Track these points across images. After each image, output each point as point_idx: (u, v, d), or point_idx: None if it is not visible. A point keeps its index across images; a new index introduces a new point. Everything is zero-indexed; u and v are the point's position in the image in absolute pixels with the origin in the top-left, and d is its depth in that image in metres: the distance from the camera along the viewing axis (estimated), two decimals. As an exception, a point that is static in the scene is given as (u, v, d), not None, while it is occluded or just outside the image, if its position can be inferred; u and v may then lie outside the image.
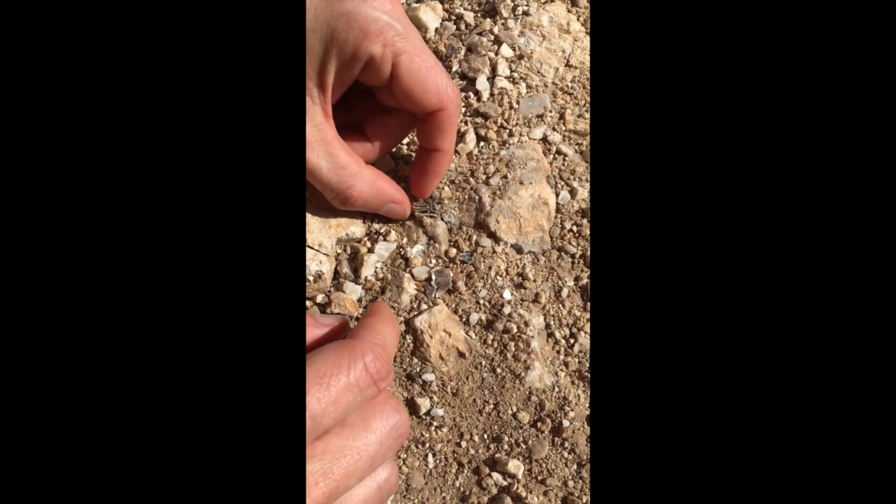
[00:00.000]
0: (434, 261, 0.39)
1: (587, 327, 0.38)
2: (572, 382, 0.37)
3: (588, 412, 0.37)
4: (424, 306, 0.38)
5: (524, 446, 0.36)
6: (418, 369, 0.37)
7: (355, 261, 0.38)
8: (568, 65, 0.43)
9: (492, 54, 0.43)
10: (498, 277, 0.39)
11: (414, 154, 0.40)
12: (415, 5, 0.44)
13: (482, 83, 0.42)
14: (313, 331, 0.30)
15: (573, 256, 0.39)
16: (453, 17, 0.44)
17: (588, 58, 0.43)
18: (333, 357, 0.26)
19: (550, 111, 0.42)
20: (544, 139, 0.41)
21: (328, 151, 0.35)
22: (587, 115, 0.42)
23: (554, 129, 0.42)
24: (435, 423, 0.37)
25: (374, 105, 0.37)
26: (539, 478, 0.36)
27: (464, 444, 0.37)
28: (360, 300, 0.38)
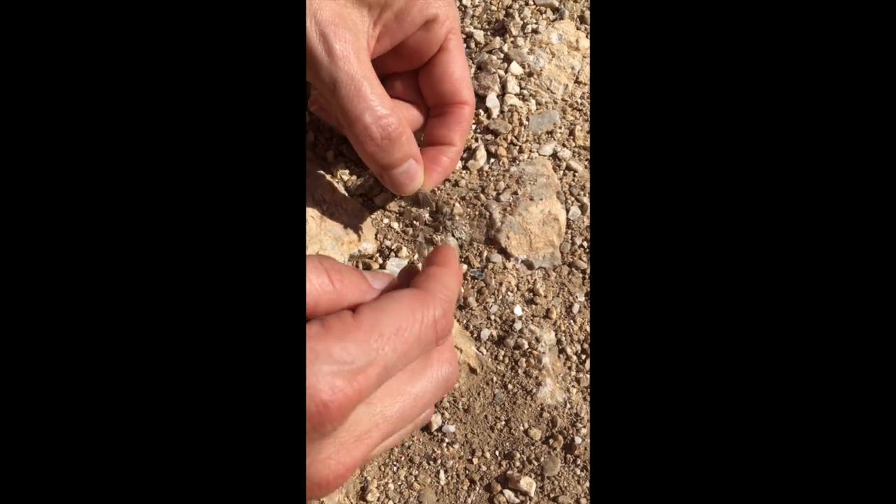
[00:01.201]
0: (445, 277, 0.39)
1: (599, 343, 0.38)
2: (584, 399, 0.37)
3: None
4: (436, 322, 0.38)
5: (536, 463, 0.36)
6: (430, 385, 0.37)
7: (367, 277, 0.39)
8: (577, 81, 0.44)
9: (501, 72, 0.43)
10: (509, 293, 0.39)
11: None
12: (425, 24, 0.45)
13: (492, 100, 0.42)
14: (367, 296, 0.29)
15: (584, 272, 0.39)
16: (463, 36, 0.45)
17: (597, 74, 0.44)
18: (408, 309, 0.26)
19: (560, 127, 0.42)
20: (554, 155, 0.42)
21: (370, 76, 0.32)
22: (597, 131, 0.42)
23: (564, 146, 0.42)
24: (447, 440, 0.37)
25: None
26: (551, 495, 0.36)
27: (475, 460, 0.36)
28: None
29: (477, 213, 0.40)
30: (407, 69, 0.36)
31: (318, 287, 0.26)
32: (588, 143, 0.42)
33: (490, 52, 0.44)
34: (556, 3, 0.45)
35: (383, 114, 0.32)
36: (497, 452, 0.37)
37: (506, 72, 0.43)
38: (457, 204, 0.40)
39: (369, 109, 0.32)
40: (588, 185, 0.41)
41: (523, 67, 0.43)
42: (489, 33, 0.45)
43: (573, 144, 0.42)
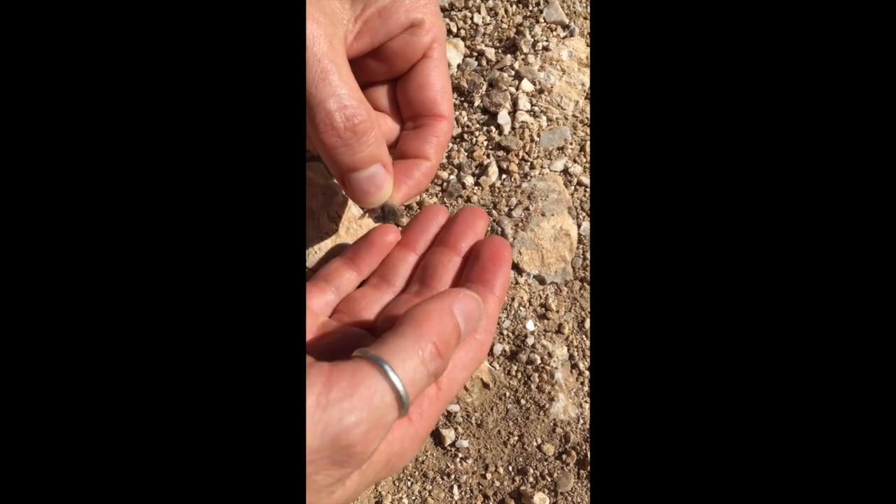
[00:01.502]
0: (458, 292, 0.39)
1: (611, 358, 0.38)
2: (597, 414, 0.37)
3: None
4: (448, 337, 0.38)
5: (549, 479, 0.36)
6: (443, 400, 0.37)
7: (380, 293, 0.39)
8: (588, 98, 0.44)
9: (513, 89, 0.44)
10: (521, 308, 0.39)
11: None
12: (437, 43, 0.46)
13: (503, 117, 0.43)
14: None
15: (596, 287, 0.40)
16: (475, 54, 0.46)
17: (608, 90, 0.44)
18: (469, 373, 0.28)
19: (571, 143, 0.43)
20: (565, 171, 0.42)
21: (340, 63, 0.29)
22: (608, 147, 0.42)
23: (574, 161, 0.42)
24: (460, 455, 0.37)
25: None
26: (565, 511, 0.36)
27: (489, 475, 0.37)
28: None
29: (489, 228, 0.41)
30: (387, 77, 0.34)
31: (427, 382, 0.25)
32: (599, 159, 0.42)
33: (501, 69, 0.44)
34: (567, 21, 0.46)
35: (350, 103, 0.28)
36: (510, 468, 0.37)
37: (517, 89, 0.44)
38: (469, 220, 0.41)
39: (334, 95, 0.28)
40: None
41: (534, 84, 0.44)
42: (500, 51, 0.46)
43: (584, 160, 0.42)
